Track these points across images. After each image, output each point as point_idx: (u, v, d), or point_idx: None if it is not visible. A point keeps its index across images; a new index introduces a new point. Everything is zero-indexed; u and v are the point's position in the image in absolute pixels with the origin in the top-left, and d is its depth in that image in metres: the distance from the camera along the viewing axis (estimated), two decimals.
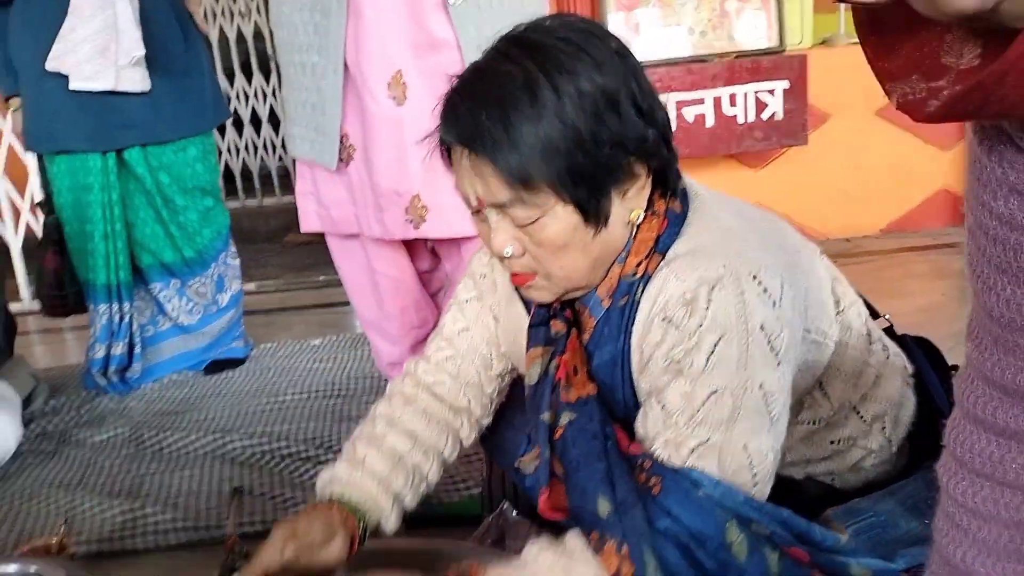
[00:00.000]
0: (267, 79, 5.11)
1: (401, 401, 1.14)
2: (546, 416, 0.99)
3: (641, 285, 0.95)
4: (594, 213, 0.91)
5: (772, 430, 0.91)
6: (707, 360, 0.88)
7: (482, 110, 0.88)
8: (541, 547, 0.90)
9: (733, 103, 2.94)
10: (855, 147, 3.17)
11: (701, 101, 2.94)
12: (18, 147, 3.11)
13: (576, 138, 0.87)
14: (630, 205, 0.94)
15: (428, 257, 1.87)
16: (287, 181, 5.26)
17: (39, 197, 2.41)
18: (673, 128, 0.98)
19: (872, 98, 3.02)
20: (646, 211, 0.96)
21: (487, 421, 1.19)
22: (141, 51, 2.05)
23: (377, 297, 1.80)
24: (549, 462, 0.99)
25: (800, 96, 2.94)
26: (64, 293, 2.24)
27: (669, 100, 2.90)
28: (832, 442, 1.12)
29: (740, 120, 2.95)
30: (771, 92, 2.93)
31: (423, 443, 1.10)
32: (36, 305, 2.82)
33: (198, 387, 2.28)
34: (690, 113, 2.95)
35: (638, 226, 0.96)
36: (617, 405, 0.99)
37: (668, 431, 0.90)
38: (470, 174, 0.92)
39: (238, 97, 4.98)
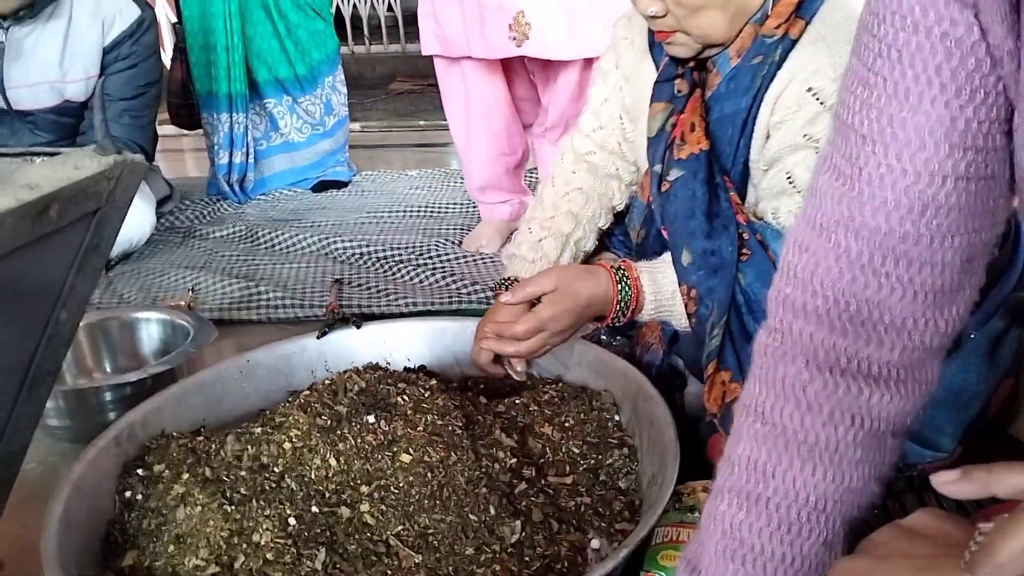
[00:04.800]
0: None
1: (562, 182, 1.25)
2: (657, 168, 1.08)
3: (781, 47, 0.97)
4: None
5: None
6: None
7: None
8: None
9: None
10: None
11: None
12: None
13: None
14: None
15: (527, 84, 1.95)
16: (395, 30, 5.33)
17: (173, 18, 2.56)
18: None
19: None
20: None
21: (635, 188, 1.26)
22: None
23: (470, 120, 1.91)
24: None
25: None
26: (191, 102, 2.42)
27: None
28: None
29: None
30: None
31: (583, 221, 1.22)
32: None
33: (306, 201, 2.47)
34: None
35: None
36: (726, 160, 1.04)
37: (791, 201, 0.98)
38: None
39: None
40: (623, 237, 1.31)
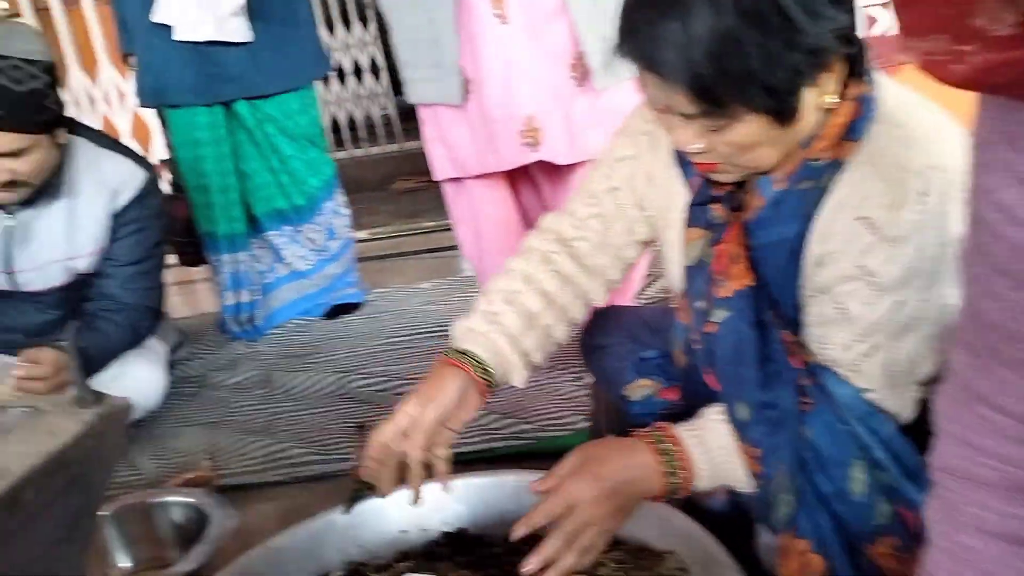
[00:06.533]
0: (365, 27, 5.17)
1: (539, 259, 1.12)
2: (700, 304, 0.99)
3: (829, 171, 0.89)
4: (787, 113, 0.85)
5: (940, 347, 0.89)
6: (900, 271, 0.85)
7: (664, 24, 0.81)
8: (721, 415, 0.96)
9: None
10: None
11: None
12: (143, 110, 3.31)
13: (766, 54, 0.80)
14: (822, 90, 0.87)
15: (533, 192, 1.90)
16: (391, 129, 5.37)
17: (163, 155, 2.54)
18: None
19: None
20: (837, 95, 0.88)
21: (618, 285, 1.17)
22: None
23: (482, 239, 1.85)
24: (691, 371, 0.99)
25: None
26: (196, 239, 2.38)
27: None
28: None
29: None
30: None
31: (556, 305, 1.10)
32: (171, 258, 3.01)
33: (320, 331, 2.41)
34: None
35: (829, 111, 0.89)
36: (775, 291, 0.95)
37: (842, 333, 0.89)
38: (654, 85, 0.86)
39: (340, 48, 5.06)
40: (661, 360, 1.19)
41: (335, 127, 5.03)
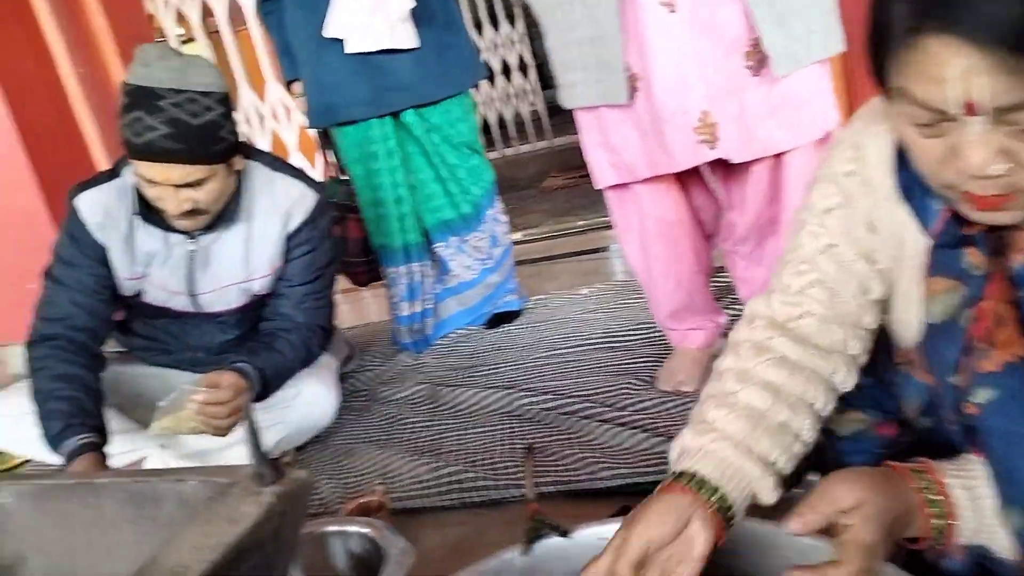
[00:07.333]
0: (513, 25, 5.15)
1: (751, 350, 0.92)
2: (953, 380, 0.80)
3: None
4: None
5: None
6: None
7: None
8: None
9: None
10: None
11: None
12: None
13: None
14: None
15: (704, 193, 1.77)
16: (540, 126, 5.33)
17: (324, 174, 2.59)
18: None
19: None
20: None
21: (865, 359, 0.95)
22: (412, 2, 2.10)
23: (649, 246, 1.74)
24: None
25: None
26: (370, 259, 2.41)
27: None
28: None
29: None
30: None
31: (787, 396, 0.88)
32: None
33: (482, 342, 2.38)
34: None
35: None
36: None
37: None
38: (960, 69, 0.65)
39: (488, 48, 5.08)
40: (875, 390, 1.01)
41: (485, 128, 5.05)
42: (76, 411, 1.62)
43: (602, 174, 1.70)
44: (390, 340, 2.53)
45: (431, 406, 2.03)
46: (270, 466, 0.68)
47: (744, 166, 1.60)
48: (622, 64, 1.52)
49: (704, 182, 1.76)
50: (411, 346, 2.42)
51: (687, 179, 1.70)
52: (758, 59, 1.49)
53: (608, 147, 1.65)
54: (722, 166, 1.63)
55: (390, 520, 1.42)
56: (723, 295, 2.17)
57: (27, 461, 2.19)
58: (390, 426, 1.96)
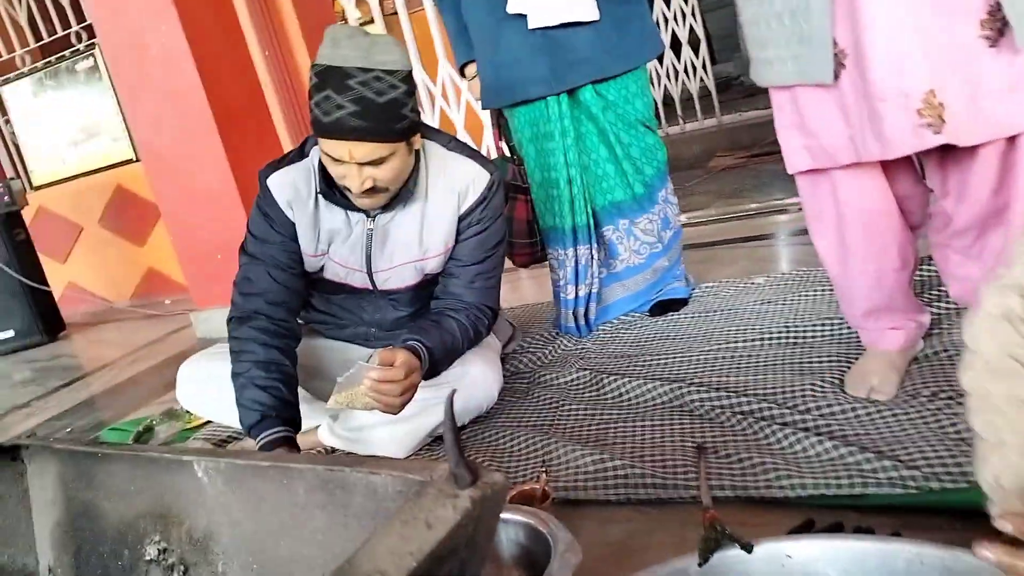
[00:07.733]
0: (686, 0, 4.96)
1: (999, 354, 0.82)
2: None
3: None
4: None
5: None
6: None
7: None
8: None
9: None
10: None
11: None
12: (476, 105, 3.46)
13: None
14: None
15: (911, 180, 1.58)
16: (708, 103, 5.11)
17: (494, 154, 2.58)
18: None
19: None
20: None
21: None
22: None
23: (847, 238, 1.59)
24: None
25: None
26: (535, 240, 2.38)
27: None
28: None
29: None
30: None
31: None
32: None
33: (646, 329, 2.29)
34: None
35: None
36: None
37: None
38: None
39: (657, 22, 4.93)
40: None
41: None
42: (274, 403, 1.69)
43: (796, 158, 1.56)
44: (550, 323, 2.49)
45: (594, 394, 1.97)
46: (467, 467, 0.65)
47: (969, 150, 1.41)
48: (830, 38, 1.38)
49: (913, 167, 1.58)
50: (573, 330, 2.37)
51: (892, 164, 1.53)
52: (997, 28, 1.30)
53: (804, 129, 1.51)
54: (939, 148, 1.44)
55: (553, 511, 1.38)
56: (924, 290, 1.97)
57: (209, 422, 2.34)
58: (552, 411, 1.92)
